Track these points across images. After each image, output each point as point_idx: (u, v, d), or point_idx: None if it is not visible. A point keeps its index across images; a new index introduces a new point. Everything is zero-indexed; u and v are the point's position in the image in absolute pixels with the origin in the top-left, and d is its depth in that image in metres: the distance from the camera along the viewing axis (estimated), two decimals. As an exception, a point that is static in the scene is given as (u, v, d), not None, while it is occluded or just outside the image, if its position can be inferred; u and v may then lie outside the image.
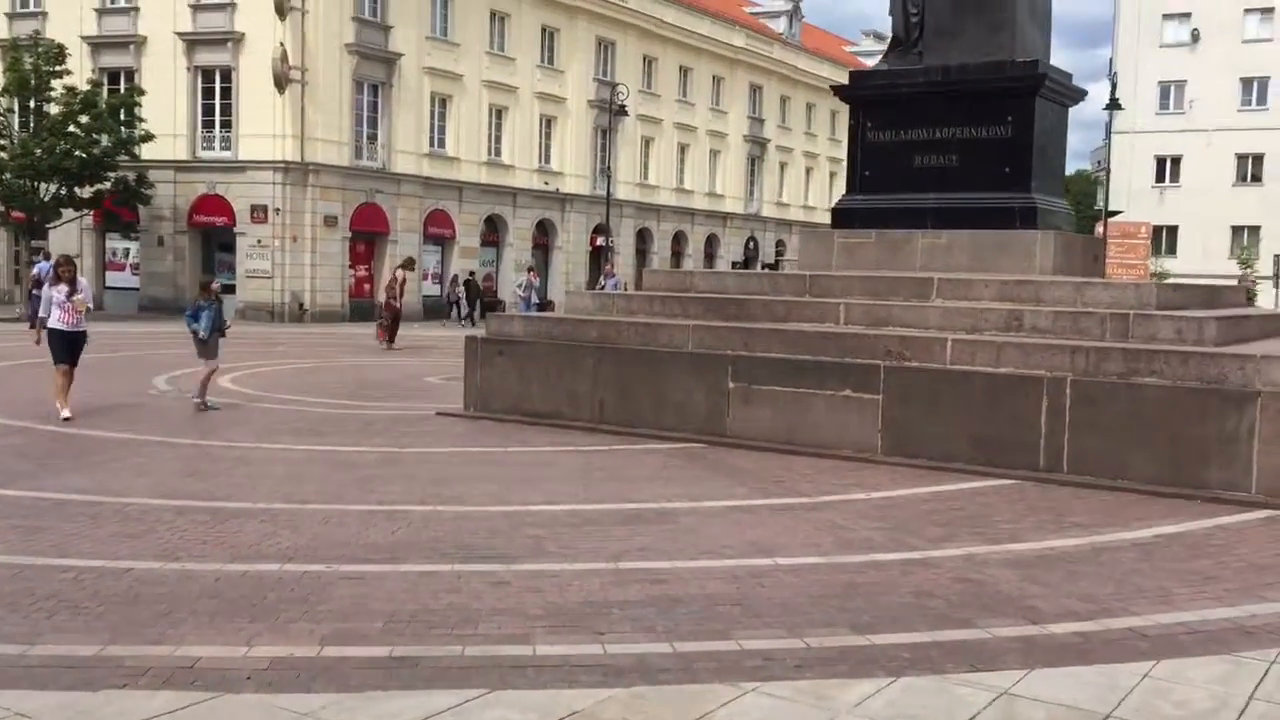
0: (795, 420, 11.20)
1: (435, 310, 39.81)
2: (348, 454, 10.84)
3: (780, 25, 61.36)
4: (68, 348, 12.67)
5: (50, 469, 9.71)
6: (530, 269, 36.40)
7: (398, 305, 25.56)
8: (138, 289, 37.20)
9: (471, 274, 40.89)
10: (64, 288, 12.62)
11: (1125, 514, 8.64)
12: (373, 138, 37.82)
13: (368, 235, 38.12)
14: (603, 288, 32.95)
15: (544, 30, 44.65)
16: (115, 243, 37.94)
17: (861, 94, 13.80)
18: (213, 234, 36.76)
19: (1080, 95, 13.62)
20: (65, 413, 12.30)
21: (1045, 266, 12.20)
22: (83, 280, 13.20)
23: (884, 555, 7.34)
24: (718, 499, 9.04)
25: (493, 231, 43.73)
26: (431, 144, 40.07)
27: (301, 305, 35.41)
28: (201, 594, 6.17)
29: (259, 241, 35.26)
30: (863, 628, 5.82)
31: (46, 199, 32.89)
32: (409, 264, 27.93)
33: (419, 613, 5.94)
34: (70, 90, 32.45)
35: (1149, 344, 9.96)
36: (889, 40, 13.77)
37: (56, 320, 12.68)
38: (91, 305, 13.46)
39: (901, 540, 7.73)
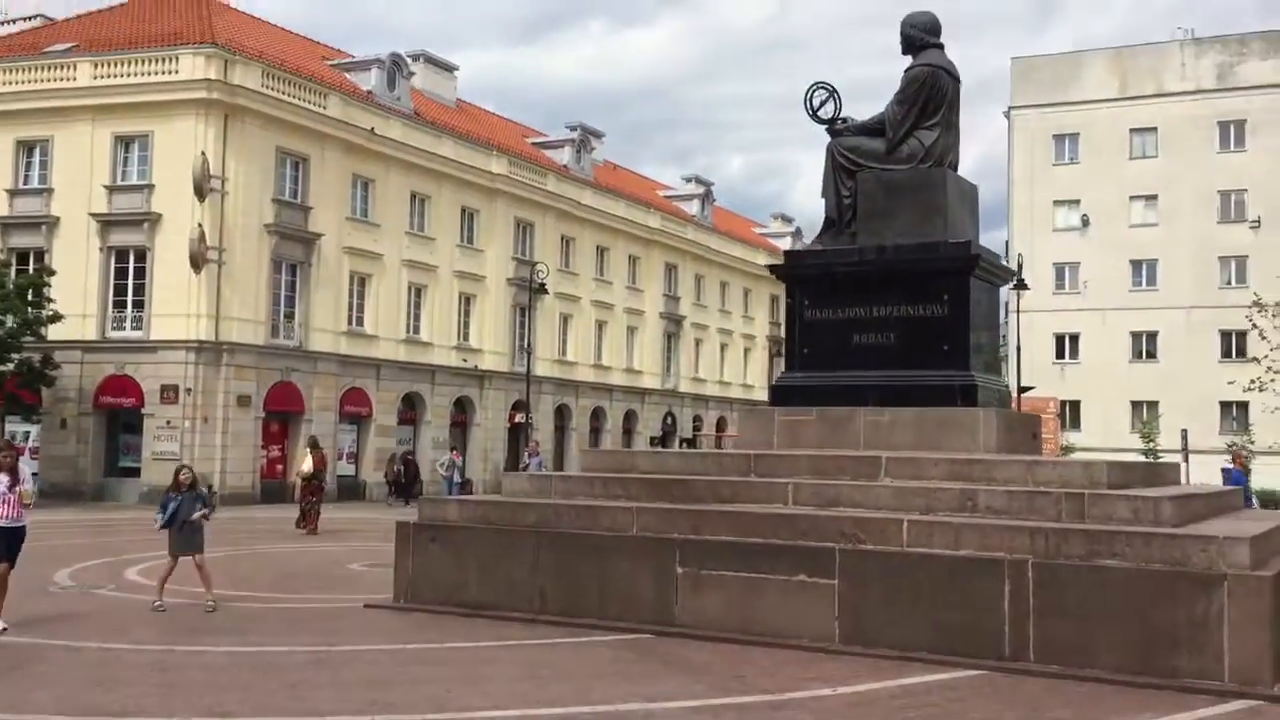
0: (748, 608, 10.73)
1: (350, 490, 38.73)
2: (273, 655, 10.05)
3: (693, 207, 63.22)
4: (7, 545, 11.21)
5: (-62, 681, 8.79)
6: (453, 448, 35.77)
7: (324, 485, 24.73)
8: (36, 474, 35.51)
9: (410, 453, 40.04)
10: (4, 477, 11.19)
11: (1102, 708, 8.28)
12: (290, 316, 37.39)
13: (282, 415, 37.23)
14: (525, 467, 32.44)
15: (464, 211, 45.23)
16: (14, 426, 36.41)
17: (798, 272, 13.91)
18: (119, 415, 35.55)
19: (1010, 275, 13.92)
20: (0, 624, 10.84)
21: (989, 444, 12.13)
22: (24, 468, 11.74)
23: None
24: (676, 698, 8.48)
25: (410, 409, 43.10)
26: (350, 322, 39.76)
27: (210, 488, 34.00)
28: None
29: (168, 422, 34.14)
30: None
31: (-56, 380, 31.62)
32: (315, 444, 26.89)
33: None
34: (-24, 270, 31.62)
35: (1107, 524, 9.81)
36: (823, 221, 13.95)
37: None
38: (34, 497, 12.15)
39: (880, 743, 7.24)
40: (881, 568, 10.20)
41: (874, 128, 13.58)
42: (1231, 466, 17.12)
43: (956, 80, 13.48)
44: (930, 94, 13.24)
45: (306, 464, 25.05)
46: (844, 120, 13.93)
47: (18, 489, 11.24)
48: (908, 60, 13.53)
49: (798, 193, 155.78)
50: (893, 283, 13.05)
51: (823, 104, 13.89)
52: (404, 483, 37.98)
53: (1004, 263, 13.82)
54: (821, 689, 8.82)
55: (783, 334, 56.09)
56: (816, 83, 13.91)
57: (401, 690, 8.68)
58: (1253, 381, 34.48)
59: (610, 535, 11.62)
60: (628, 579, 11.37)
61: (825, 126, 13.91)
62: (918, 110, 13.26)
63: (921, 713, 8.09)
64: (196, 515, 12.76)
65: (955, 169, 13.53)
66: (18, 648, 10.20)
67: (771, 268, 14.40)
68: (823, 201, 13.81)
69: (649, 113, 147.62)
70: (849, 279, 13.33)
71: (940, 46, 13.49)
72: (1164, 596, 9.02)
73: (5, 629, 10.70)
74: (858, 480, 11.57)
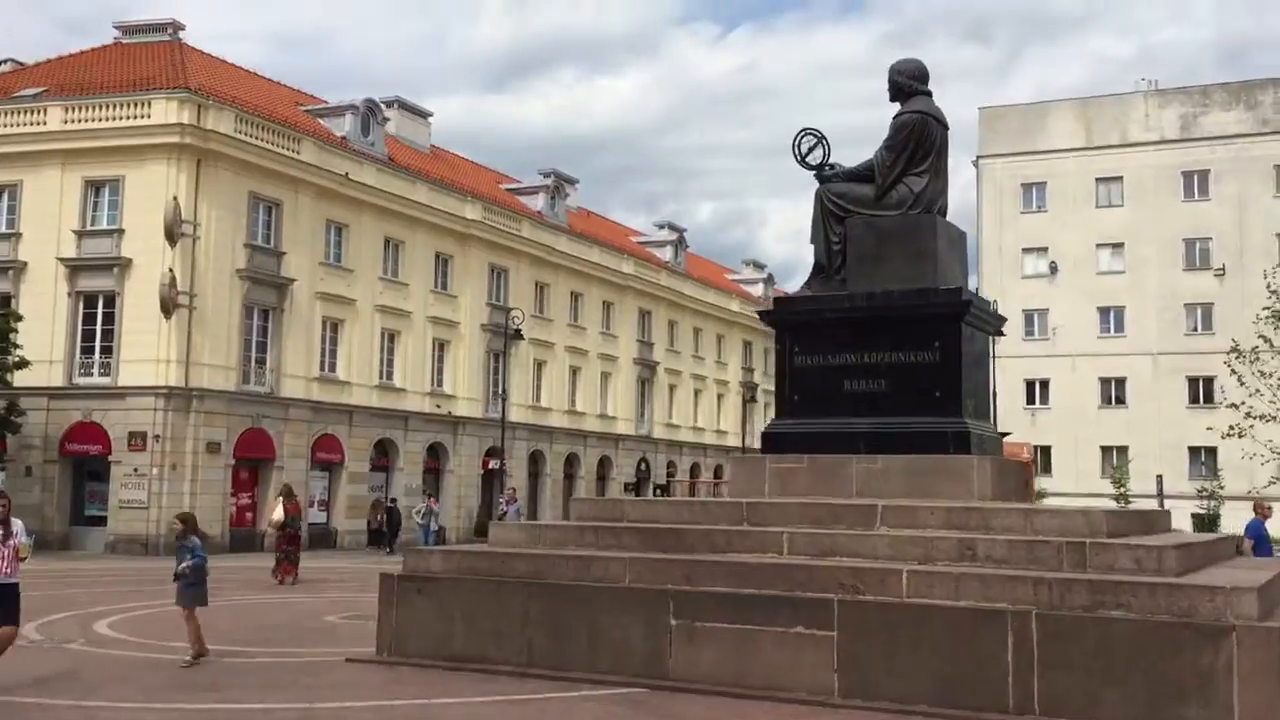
0: (744, 660, 10.49)
1: (322, 538, 38.11)
2: (253, 715, 9.70)
3: (666, 253, 63.37)
4: (1, 605, 10.40)
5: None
6: (429, 495, 35.30)
7: (299, 534, 24.38)
8: (33, 532, 34.66)
9: (393, 500, 39.48)
10: None
11: (1117, 761, 8.09)
12: (261, 362, 36.95)
13: (252, 461, 36.67)
14: (503, 514, 32.03)
15: (438, 256, 45.06)
16: (-24, 473, 35.68)
17: (788, 319, 13.78)
18: (85, 463, 34.90)
19: (1000, 322, 13.87)
20: None
21: (984, 492, 12.00)
22: (18, 522, 10.78)
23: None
24: (678, 757, 8.21)
25: (383, 455, 42.59)
26: (322, 368, 39.35)
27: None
28: None
29: (135, 470, 33.53)
30: None
31: (-95, 428, 30.95)
32: (289, 492, 26.44)
33: None
34: (-59, 315, 31.08)
35: (1109, 574, 9.68)
36: (812, 267, 13.87)
37: None
38: (30, 550, 11.07)
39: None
40: (881, 619, 10.00)
41: (863, 174, 13.55)
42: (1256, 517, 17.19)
43: (945, 127, 13.50)
44: (919, 140, 13.24)
45: (278, 512, 24.58)
46: (832, 166, 13.90)
47: (12, 542, 10.48)
48: (886, 108, 13.58)
49: (764, 239, 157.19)
50: (884, 329, 12.95)
51: (810, 150, 13.86)
52: (386, 531, 37.49)
53: (993, 309, 13.77)
54: (826, 746, 8.57)
55: (757, 380, 56.15)
56: (805, 128, 13.89)
57: (392, 750, 8.36)
58: (1231, 428, 34.65)
59: (602, 586, 11.36)
60: (620, 630, 11.11)
61: (813, 172, 13.86)
62: (907, 156, 13.25)
63: (931, 770, 7.86)
64: (180, 567, 12.51)
65: (944, 215, 13.51)
66: (-13, 707, 9.79)
67: (761, 314, 14.29)
68: (803, 248, 13.92)
69: (618, 159, 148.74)
70: (839, 325, 13.22)
71: (928, 93, 13.52)
72: (1170, 648, 8.87)
73: None
74: (853, 529, 11.39)
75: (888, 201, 13.28)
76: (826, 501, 12.06)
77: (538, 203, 53.20)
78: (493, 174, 56.75)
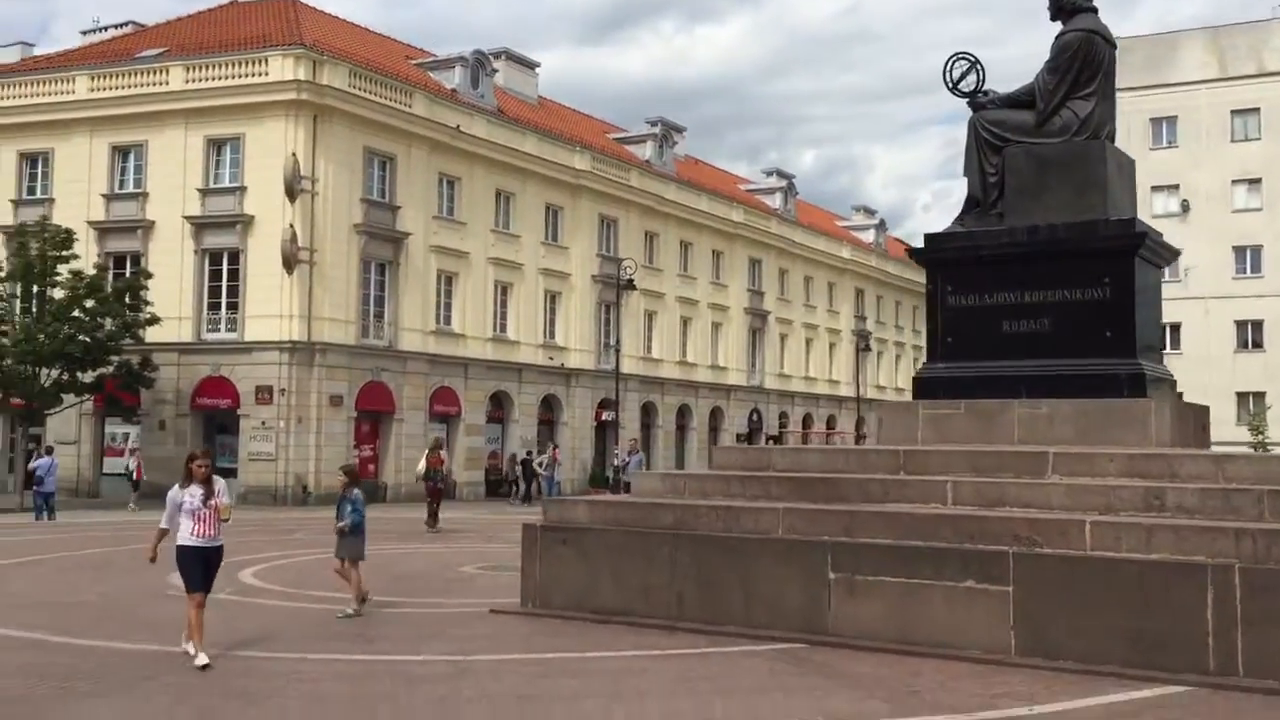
0: (908, 616, 9.95)
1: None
2: (409, 666, 9.51)
3: (775, 201, 62.20)
4: (203, 568, 9.64)
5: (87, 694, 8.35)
6: (554, 445, 35.23)
7: (443, 487, 25.03)
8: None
9: (529, 453, 39.73)
10: (197, 489, 9.53)
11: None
12: (379, 316, 37.24)
13: (373, 414, 37.11)
14: (625, 465, 31.84)
15: (548, 208, 44.82)
16: (115, 427, 36.82)
17: (940, 256, 13.03)
18: (215, 416, 35.71)
19: (1175, 254, 12.94)
20: (202, 658, 9.23)
21: (1162, 438, 11.19)
22: (220, 481, 9.93)
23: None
24: (856, 717, 7.74)
25: (498, 408, 42.79)
26: (438, 321, 39.54)
27: (305, 488, 34.08)
28: None
29: (263, 423, 34.18)
30: None
31: (47, 384, 31.92)
32: (440, 444, 27.39)
33: None
34: (76, 274, 31.89)
35: (1320, 524, 8.86)
36: (964, 200, 13.08)
37: (189, 533, 9.57)
38: (231, 512, 10.01)
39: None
40: (1062, 573, 9.34)
41: (1022, 99, 12.70)
42: None
43: (1112, 45, 12.58)
44: (1085, 61, 12.33)
45: (420, 465, 25.22)
46: (986, 93, 13.05)
47: (213, 502, 9.57)
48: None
49: (870, 186, 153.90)
50: (1047, 265, 12.16)
51: (963, 76, 13.02)
52: (520, 483, 37.77)
53: (1167, 241, 12.84)
54: (1016, 708, 8.01)
55: (870, 329, 54.67)
56: (957, 53, 13.06)
57: (556, 708, 8.07)
58: None
59: (754, 538, 10.91)
60: (774, 584, 10.66)
61: (967, 100, 13.03)
62: (1071, 78, 12.35)
63: (1139, 736, 7.26)
64: (343, 522, 12.41)
65: (1112, 140, 12.59)
66: (143, 656, 9.79)
67: (910, 251, 13.56)
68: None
69: (719, 108, 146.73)
70: (997, 262, 12.46)
71: (1094, 10, 12.58)
72: (1400, 605, 8.07)
73: (208, 664, 9.13)
74: (1022, 478, 10.71)
75: (1050, 128, 12.43)
76: (991, 449, 11.38)
77: (645, 152, 52.54)
78: (599, 124, 56.22)
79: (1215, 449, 11.30)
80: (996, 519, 9.94)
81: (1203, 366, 56.15)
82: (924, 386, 12.92)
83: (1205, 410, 13.09)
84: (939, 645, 9.70)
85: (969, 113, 13.07)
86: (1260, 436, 49.39)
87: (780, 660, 9.71)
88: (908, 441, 12.41)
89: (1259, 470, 9.91)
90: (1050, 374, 11.93)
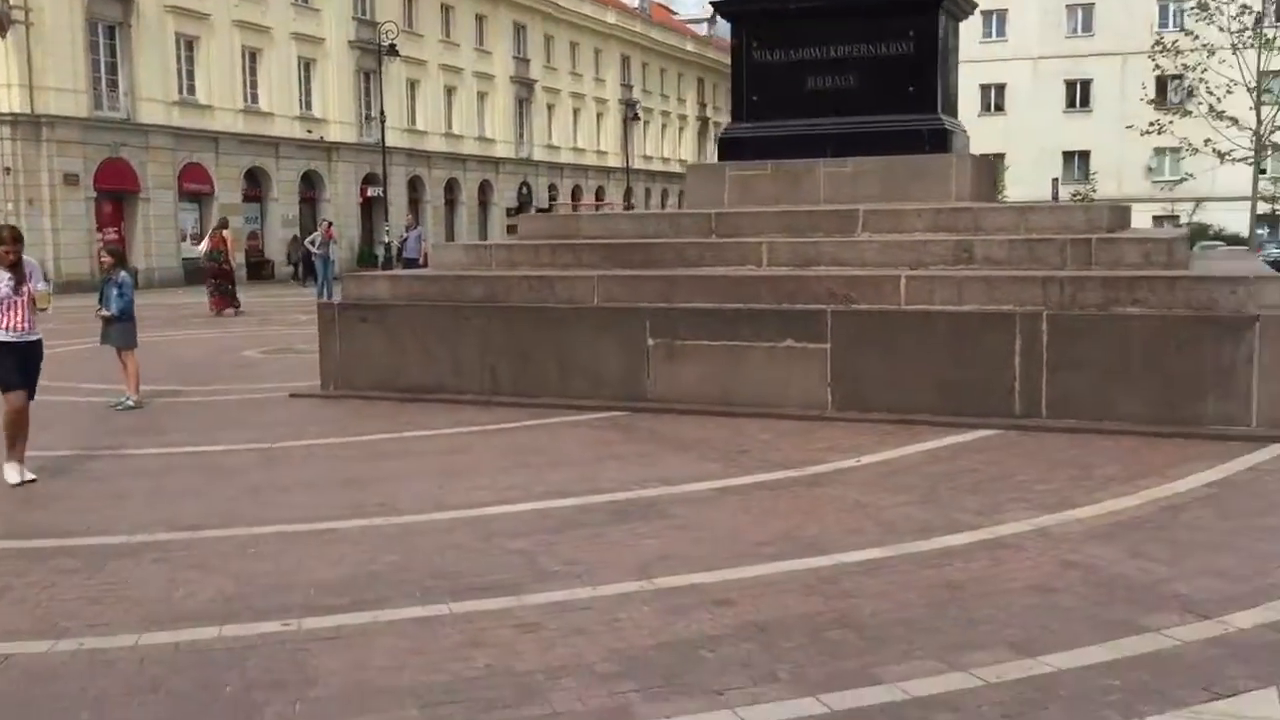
0: (730, 378, 9.97)
1: (194, 274, 36.12)
2: (214, 456, 8.82)
3: (539, -40, 59.28)
4: (20, 367, 8.15)
5: None
6: (329, 223, 31.91)
7: (229, 267, 23.48)
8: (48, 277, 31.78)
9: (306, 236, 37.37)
10: (4, 275, 7.93)
11: (1149, 461, 7.88)
12: (113, 85, 33.69)
13: (115, 194, 34.11)
14: (404, 240, 30.64)
15: (296, -36, 41.12)
16: None
17: (745, 9, 12.52)
18: (-73, 201, 31.86)
19: (971, 8, 12.89)
20: (22, 474, 7.94)
21: (963, 193, 11.41)
22: (31, 262, 8.32)
23: (950, 539, 6.22)
24: (694, 480, 7.70)
25: (255, 186, 40.16)
26: (181, 90, 36.21)
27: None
28: (130, 689, 4.35)
29: (-13, 206, 30.80)
30: (1021, 647, 4.65)
31: None
32: (225, 224, 25.32)
33: (454, 687, 4.35)
34: None
35: (1119, 270, 9.28)
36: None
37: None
38: (50, 300, 8.34)
39: (950, 517, 6.63)
40: (878, 328, 9.51)
41: None
42: None
43: None
44: None
45: (203, 245, 23.82)
46: None
47: (25, 289, 8.06)
48: None
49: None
50: (853, 20, 11.90)
51: None
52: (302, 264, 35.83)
53: (972, -8, 12.76)
54: (843, 460, 8.17)
55: (637, 97, 53.73)
56: None
57: (383, 487, 7.64)
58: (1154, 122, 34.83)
59: (569, 308, 10.58)
60: (592, 353, 10.43)
61: None
62: None
63: (967, 479, 7.53)
64: (109, 307, 11.28)
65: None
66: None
67: (715, 4, 12.97)
68: None
69: None
70: (803, 15, 12.08)
71: None
72: (1189, 343, 8.60)
73: (35, 479, 7.91)
74: (834, 236, 10.73)
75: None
76: (804, 209, 11.32)
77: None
78: None
79: (1015, 200, 11.60)
80: (813, 278, 9.95)
81: (1029, 127, 57.00)
82: (730, 147, 12.66)
83: (995, 164, 13.39)
84: (759, 405, 9.79)
85: None
86: (1089, 190, 50.95)
87: (605, 428, 9.58)
88: (715, 204, 12.21)
89: (1059, 220, 10.26)
90: (855, 131, 11.86)
